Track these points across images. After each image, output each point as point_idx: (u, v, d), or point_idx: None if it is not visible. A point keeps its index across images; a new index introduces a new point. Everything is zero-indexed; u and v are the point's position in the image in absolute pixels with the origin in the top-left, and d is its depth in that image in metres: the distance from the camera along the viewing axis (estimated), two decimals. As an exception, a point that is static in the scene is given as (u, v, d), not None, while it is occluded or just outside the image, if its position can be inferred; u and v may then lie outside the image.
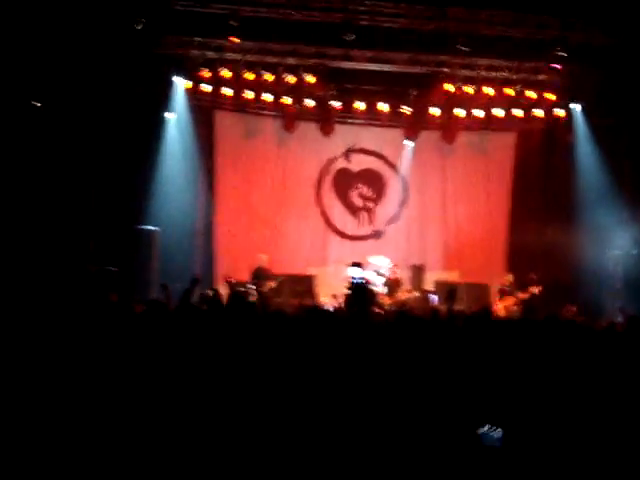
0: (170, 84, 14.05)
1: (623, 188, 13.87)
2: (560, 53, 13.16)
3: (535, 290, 12.91)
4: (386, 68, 14.34)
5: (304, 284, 14.28)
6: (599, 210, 13.80)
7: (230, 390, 4.58)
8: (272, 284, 13.37)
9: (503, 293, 13.48)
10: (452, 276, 15.12)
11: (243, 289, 13.27)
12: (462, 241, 15.52)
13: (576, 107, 14.65)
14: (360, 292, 9.77)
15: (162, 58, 13.50)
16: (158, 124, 14.02)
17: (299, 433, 4.29)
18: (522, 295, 13.08)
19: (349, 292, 10.86)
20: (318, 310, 7.40)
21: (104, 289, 11.32)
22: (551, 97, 14.42)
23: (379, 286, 13.68)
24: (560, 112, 14.69)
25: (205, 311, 6.84)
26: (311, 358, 5.03)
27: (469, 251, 15.32)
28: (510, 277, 13.73)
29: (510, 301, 13.18)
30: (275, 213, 15.52)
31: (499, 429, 4.32)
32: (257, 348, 5.06)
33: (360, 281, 9.10)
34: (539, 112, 14.76)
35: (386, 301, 13.37)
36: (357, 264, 11.49)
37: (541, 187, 15.28)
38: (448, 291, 8.46)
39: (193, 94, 14.39)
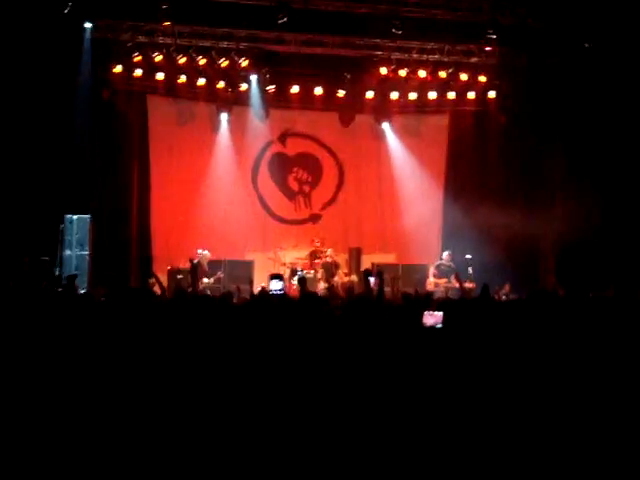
0: (102, 69, 13.74)
1: (553, 168, 14.16)
2: (491, 36, 13.35)
3: (469, 286, 12.88)
4: (320, 51, 14.35)
5: (243, 269, 14.23)
6: (529, 190, 14.11)
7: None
8: (210, 280, 13.33)
9: (438, 272, 13.60)
10: (389, 258, 15.25)
11: (180, 276, 13.19)
12: (398, 223, 15.65)
13: (506, 88, 14.86)
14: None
15: (93, 42, 13.20)
16: (90, 109, 13.67)
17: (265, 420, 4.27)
18: (454, 283, 13.08)
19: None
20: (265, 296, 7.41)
21: (38, 279, 11.09)
22: (483, 79, 14.65)
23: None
24: (492, 94, 14.91)
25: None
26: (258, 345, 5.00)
27: (406, 233, 15.44)
28: (447, 254, 13.82)
29: (442, 282, 13.35)
30: (212, 199, 15.36)
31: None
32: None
33: (279, 293, 9.10)
34: (471, 94, 14.99)
35: (323, 285, 13.43)
36: (276, 276, 11.53)
37: (474, 168, 15.50)
38: (377, 273, 8.52)
39: (125, 79, 14.13)
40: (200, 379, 4.48)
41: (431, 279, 13.57)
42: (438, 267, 13.69)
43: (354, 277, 14.17)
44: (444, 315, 5.57)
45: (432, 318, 5.58)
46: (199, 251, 13.74)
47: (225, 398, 4.38)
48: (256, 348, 4.87)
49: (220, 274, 13.72)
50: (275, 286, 11.63)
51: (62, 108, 12.77)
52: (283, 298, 7.32)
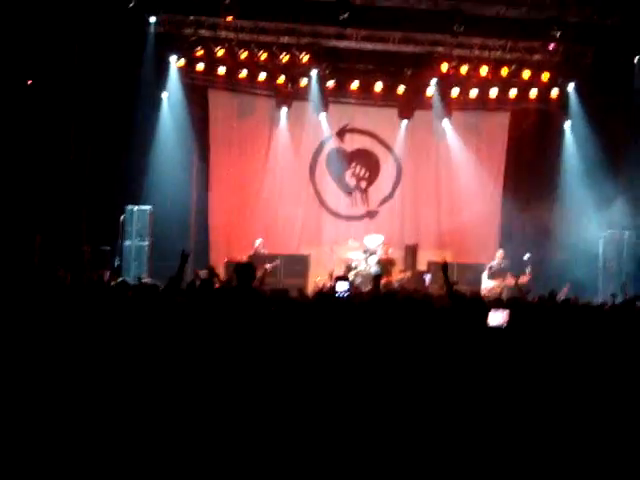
0: (165, 63, 13.97)
1: (618, 166, 13.84)
2: (555, 32, 13.13)
3: (524, 280, 12.73)
4: (380, 47, 14.31)
5: (298, 264, 14.30)
6: (591, 189, 13.84)
7: (228, 373, 4.59)
8: (268, 267, 13.37)
9: (491, 272, 13.44)
10: (445, 256, 15.09)
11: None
12: (455, 221, 15.50)
13: (570, 87, 14.60)
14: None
15: (156, 37, 13.40)
16: (153, 103, 13.93)
17: (298, 420, 4.30)
18: (509, 281, 12.93)
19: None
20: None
21: (97, 268, 11.33)
22: (546, 77, 14.40)
23: (373, 268, 13.67)
24: (554, 92, 14.66)
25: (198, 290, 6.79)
26: (306, 342, 5.03)
27: (462, 231, 15.28)
28: (501, 254, 13.65)
29: (498, 282, 13.16)
30: (269, 193, 15.50)
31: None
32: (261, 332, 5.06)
33: (345, 295, 9.04)
34: (533, 92, 14.75)
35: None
36: (343, 278, 11.42)
37: (534, 167, 15.25)
38: (441, 266, 8.43)
39: (187, 73, 14.35)
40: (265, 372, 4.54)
41: (484, 285, 13.36)
42: (490, 269, 13.50)
43: (409, 274, 14.12)
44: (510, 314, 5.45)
45: (497, 318, 5.43)
46: (257, 241, 13.88)
47: (280, 392, 4.44)
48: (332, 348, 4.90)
49: (277, 261, 13.72)
50: (341, 287, 11.62)
51: (125, 101, 13.00)
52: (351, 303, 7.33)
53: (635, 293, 7.64)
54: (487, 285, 13.27)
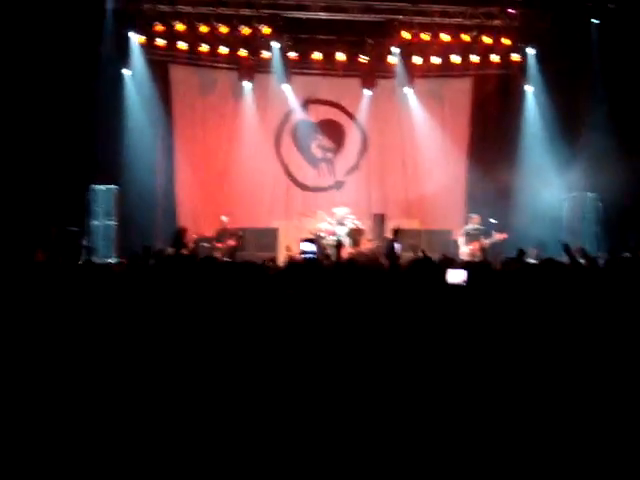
0: (125, 40, 13.82)
1: (578, 130, 14.00)
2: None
3: (499, 237, 12.99)
4: (340, 17, 14.27)
5: (268, 237, 14.33)
6: (552, 153, 14.00)
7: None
8: (232, 242, 13.41)
9: (468, 236, 13.57)
10: (413, 224, 15.23)
11: (207, 245, 13.36)
12: (421, 189, 15.63)
13: (531, 51, 14.70)
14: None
15: (115, 13, 13.22)
16: (115, 81, 13.79)
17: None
18: (485, 242, 13.14)
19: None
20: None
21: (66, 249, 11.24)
22: (506, 42, 14.50)
23: (342, 237, 13.75)
24: (515, 56, 14.77)
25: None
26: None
27: (429, 198, 15.42)
28: (477, 218, 13.77)
29: (475, 245, 13.31)
30: (235, 167, 15.48)
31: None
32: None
33: (312, 256, 9.06)
34: (495, 57, 14.84)
35: (350, 252, 13.47)
36: (309, 240, 11.41)
37: (498, 132, 15.37)
38: (394, 231, 8.52)
39: (148, 49, 14.20)
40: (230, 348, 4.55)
41: (463, 248, 13.48)
42: (467, 233, 13.63)
43: (378, 243, 14.22)
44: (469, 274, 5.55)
45: (457, 275, 5.54)
46: (223, 217, 13.89)
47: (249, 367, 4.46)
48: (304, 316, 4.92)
49: (240, 233, 13.74)
50: (308, 247, 11.66)
51: (87, 79, 12.83)
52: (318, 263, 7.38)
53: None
54: (465, 249, 13.38)
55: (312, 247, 11.70)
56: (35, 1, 12.03)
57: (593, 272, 6.29)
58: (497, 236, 12.92)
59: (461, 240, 13.61)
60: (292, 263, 7.37)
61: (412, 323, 4.78)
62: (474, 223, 13.66)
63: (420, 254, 7.51)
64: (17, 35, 12.03)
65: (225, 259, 11.62)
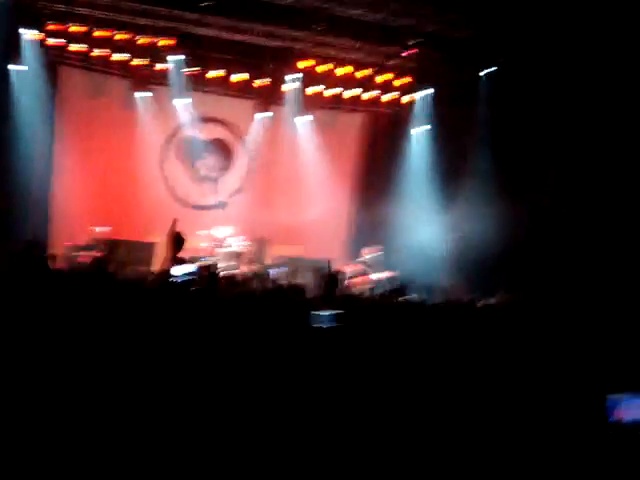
0: (15, 36, 13.20)
1: (462, 173, 14.47)
2: (411, 41, 13.56)
3: (388, 274, 13.16)
4: (241, 38, 14.23)
5: (143, 251, 14.00)
6: (436, 193, 14.42)
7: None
8: (99, 253, 12.98)
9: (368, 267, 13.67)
10: (296, 250, 15.29)
11: (76, 254, 12.85)
12: (308, 217, 15.72)
13: (422, 94, 15.14)
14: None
15: (6, 8, 12.64)
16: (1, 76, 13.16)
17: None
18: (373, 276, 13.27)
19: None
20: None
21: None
22: (401, 82, 14.90)
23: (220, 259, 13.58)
24: (406, 97, 15.19)
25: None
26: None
27: (315, 227, 15.52)
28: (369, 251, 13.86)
29: (364, 278, 13.42)
30: (118, 178, 15.01)
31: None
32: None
33: (186, 278, 8.85)
34: (387, 96, 15.21)
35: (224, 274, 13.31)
36: (179, 260, 11.12)
37: (384, 168, 15.73)
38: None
39: (39, 48, 13.63)
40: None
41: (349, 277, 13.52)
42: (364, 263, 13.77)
43: (255, 267, 14.13)
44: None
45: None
46: (96, 228, 13.44)
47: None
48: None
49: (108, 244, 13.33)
50: (178, 271, 11.28)
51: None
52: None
53: None
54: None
55: (184, 269, 11.35)
56: None
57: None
58: (386, 273, 13.09)
59: (350, 270, 13.70)
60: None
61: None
62: (372, 254, 13.85)
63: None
64: None
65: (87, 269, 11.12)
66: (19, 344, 4.48)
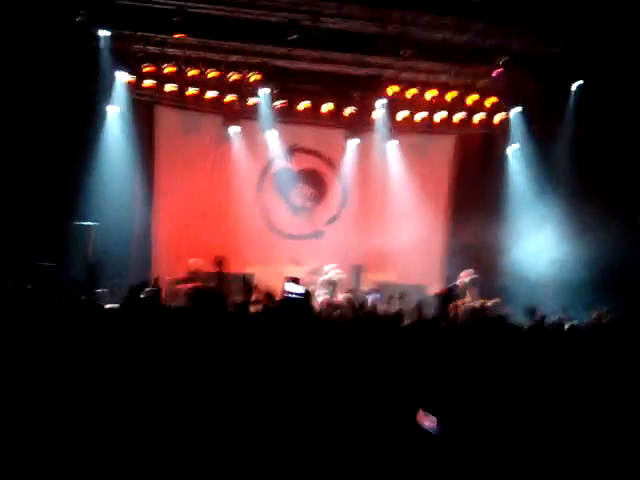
0: (111, 79, 13.79)
1: (558, 192, 14.16)
2: (501, 60, 13.41)
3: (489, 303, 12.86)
4: (329, 69, 14.42)
5: (244, 282, 14.16)
6: (533, 213, 14.11)
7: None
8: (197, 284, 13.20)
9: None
10: (391, 277, 15.22)
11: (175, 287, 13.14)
12: (401, 242, 15.60)
13: (513, 112, 14.92)
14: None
15: (104, 52, 13.23)
16: (98, 118, 13.75)
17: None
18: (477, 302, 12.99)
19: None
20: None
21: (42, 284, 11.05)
22: (491, 102, 14.73)
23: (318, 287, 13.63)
24: (498, 117, 14.98)
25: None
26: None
27: (408, 253, 15.38)
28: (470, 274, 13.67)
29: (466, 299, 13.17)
30: (214, 211, 15.39)
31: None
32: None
33: (297, 297, 8.92)
34: (478, 117, 15.04)
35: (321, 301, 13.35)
36: (294, 279, 11.26)
37: (479, 190, 15.51)
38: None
39: (134, 89, 14.20)
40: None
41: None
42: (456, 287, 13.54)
43: (352, 294, 14.10)
44: None
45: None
46: (191, 260, 13.74)
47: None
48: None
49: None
50: (291, 288, 11.41)
51: (69, 116, 12.80)
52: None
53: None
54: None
55: (297, 288, 11.50)
56: (24, 36, 12.02)
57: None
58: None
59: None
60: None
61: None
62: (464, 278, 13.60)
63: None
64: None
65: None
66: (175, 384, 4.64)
